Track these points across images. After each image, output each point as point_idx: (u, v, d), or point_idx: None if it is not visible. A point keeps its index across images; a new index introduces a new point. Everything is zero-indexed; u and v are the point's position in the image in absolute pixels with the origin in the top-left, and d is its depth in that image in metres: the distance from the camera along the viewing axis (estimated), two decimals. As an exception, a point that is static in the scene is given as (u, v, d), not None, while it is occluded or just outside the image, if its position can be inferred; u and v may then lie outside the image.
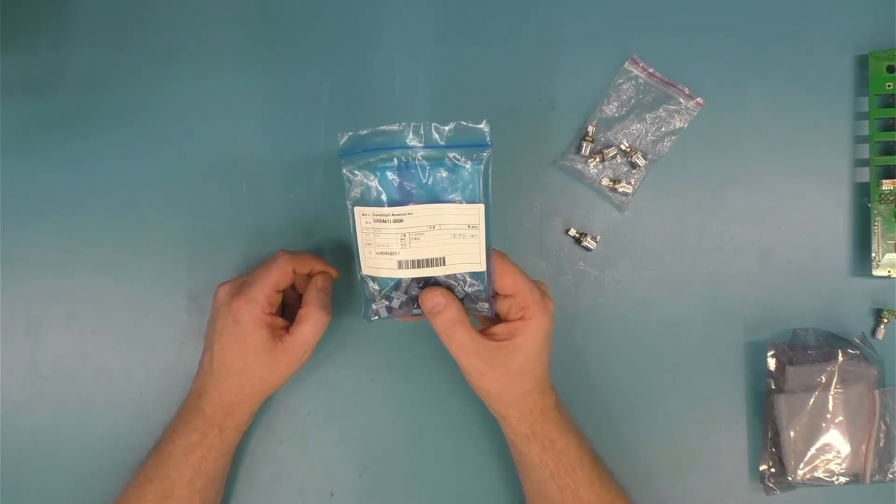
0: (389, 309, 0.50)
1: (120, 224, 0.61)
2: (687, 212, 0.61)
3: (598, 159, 0.60)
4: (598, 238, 0.61)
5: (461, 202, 0.48)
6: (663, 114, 0.60)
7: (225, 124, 0.61)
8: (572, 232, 0.61)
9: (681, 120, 0.60)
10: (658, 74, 0.61)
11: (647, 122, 0.60)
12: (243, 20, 0.62)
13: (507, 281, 0.50)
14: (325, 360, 0.60)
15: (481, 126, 0.47)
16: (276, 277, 0.53)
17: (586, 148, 0.60)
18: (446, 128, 0.47)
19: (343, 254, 0.61)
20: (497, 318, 0.52)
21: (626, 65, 0.61)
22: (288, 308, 0.57)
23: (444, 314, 0.49)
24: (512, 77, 0.61)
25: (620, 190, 0.60)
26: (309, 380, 0.60)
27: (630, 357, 0.60)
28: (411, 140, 0.47)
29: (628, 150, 0.60)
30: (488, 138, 0.47)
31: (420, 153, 0.47)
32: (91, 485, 0.59)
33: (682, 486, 0.59)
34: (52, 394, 0.60)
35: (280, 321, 0.54)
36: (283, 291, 0.55)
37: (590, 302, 0.61)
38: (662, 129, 0.60)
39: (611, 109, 0.61)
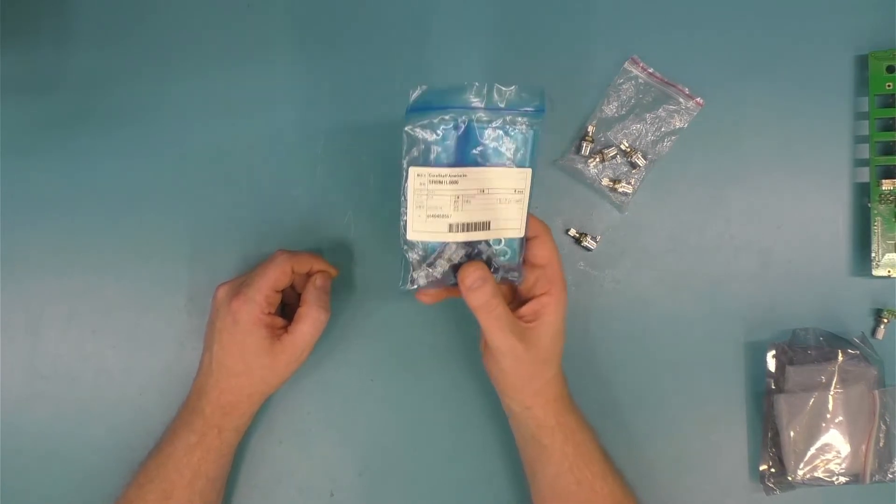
0: (429, 276, 0.49)
1: (120, 224, 0.61)
2: (687, 212, 0.61)
3: (598, 159, 0.60)
4: (598, 238, 0.61)
5: (512, 166, 0.48)
6: (663, 114, 0.60)
7: (225, 124, 0.61)
8: (572, 232, 0.61)
9: (681, 120, 0.60)
10: (658, 74, 0.61)
11: (646, 122, 0.60)
12: (243, 20, 0.62)
13: (545, 251, 0.50)
14: (325, 360, 0.60)
15: (540, 90, 0.47)
16: (274, 277, 0.53)
17: (586, 148, 0.60)
18: (507, 90, 0.46)
19: (342, 253, 0.61)
20: (513, 291, 0.53)
21: (626, 65, 0.61)
22: (287, 308, 0.57)
23: (484, 288, 0.48)
24: (511, 77, 0.61)
25: (620, 190, 0.60)
26: (308, 379, 0.60)
27: (630, 357, 0.60)
28: (474, 100, 0.46)
29: (628, 150, 0.60)
30: (545, 103, 0.47)
31: (480, 114, 0.47)
32: (91, 485, 0.59)
33: (682, 486, 0.59)
34: (52, 394, 0.60)
35: (279, 321, 0.54)
36: (283, 291, 0.55)
37: (590, 302, 0.61)
38: (662, 129, 0.60)
39: (611, 109, 0.61)
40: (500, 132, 0.47)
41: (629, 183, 0.60)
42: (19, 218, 0.61)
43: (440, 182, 0.47)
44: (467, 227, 0.48)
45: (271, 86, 0.62)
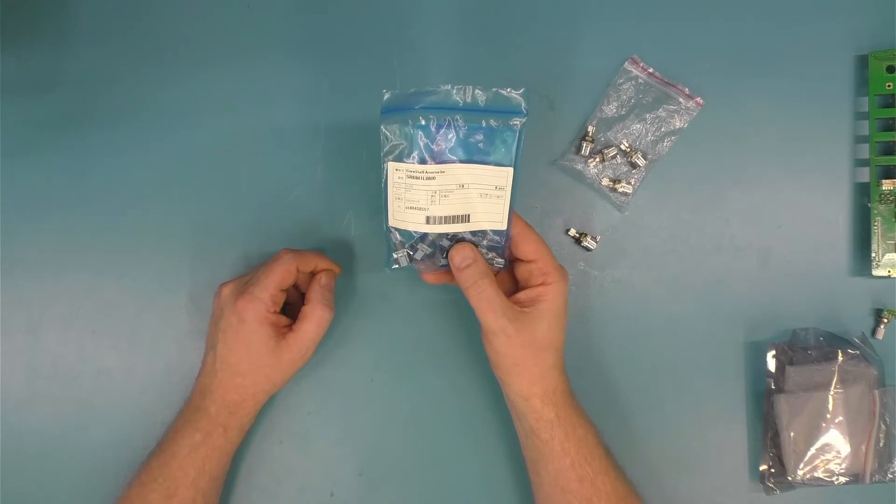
0: (411, 258, 0.52)
1: (120, 224, 0.61)
2: (687, 212, 0.61)
3: (598, 159, 0.60)
4: (598, 238, 0.61)
5: (492, 164, 0.48)
6: (663, 114, 0.60)
7: (225, 124, 0.61)
8: (572, 232, 0.61)
9: (681, 120, 0.60)
10: (658, 74, 0.61)
11: (647, 122, 0.60)
12: (244, 20, 0.62)
13: (530, 247, 0.51)
14: (325, 360, 0.60)
15: (518, 95, 0.48)
16: (280, 276, 0.53)
17: (586, 148, 0.60)
18: (486, 93, 0.48)
19: (344, 252, 0.61)
20: (515, 284, 0.54)
21: (626, 65, 0.61)
22: (289, 307, 0.57)
23: (473, 267, 0.50)
24: (512, 77, 0.61)
25: (620, 190, 0.60)
26: (309, 379, 0.60)
27: (630, 357, 0.60)
28: (453, 100, 0.48)
29: (628, 150, 0.60)
30: (524, 107, 0.48)
31: (458, 115, 0.48)
32: (91, 485, 0.59)
33: (682, 486, 0.59)
34: (52, 394, 0.60)
35: (283, 319, 0.54)
36: (286, 290, 0.55)
37: (590, 302, 0.61)
38: (662, 129, 0.60)
39: (611, 109, 0.61)
40: (479, 132, 0.48)
41: (629, 183, 0.60)
42: (19, 218, 0.61)
43: (417, 178, 0.48)
44: (446, 220, 0.50)
45: (271, 85, 0.62)
